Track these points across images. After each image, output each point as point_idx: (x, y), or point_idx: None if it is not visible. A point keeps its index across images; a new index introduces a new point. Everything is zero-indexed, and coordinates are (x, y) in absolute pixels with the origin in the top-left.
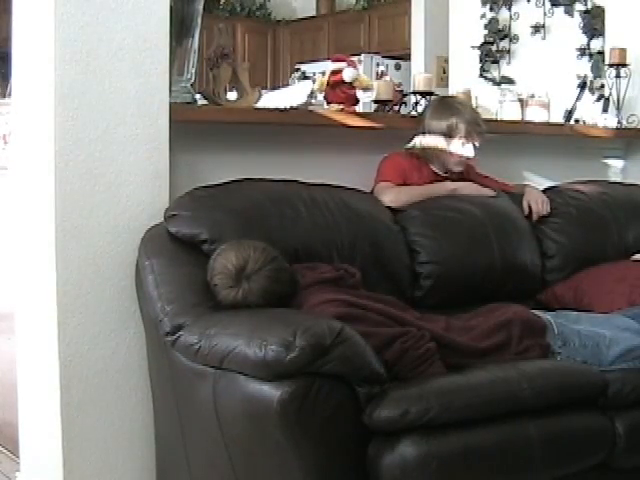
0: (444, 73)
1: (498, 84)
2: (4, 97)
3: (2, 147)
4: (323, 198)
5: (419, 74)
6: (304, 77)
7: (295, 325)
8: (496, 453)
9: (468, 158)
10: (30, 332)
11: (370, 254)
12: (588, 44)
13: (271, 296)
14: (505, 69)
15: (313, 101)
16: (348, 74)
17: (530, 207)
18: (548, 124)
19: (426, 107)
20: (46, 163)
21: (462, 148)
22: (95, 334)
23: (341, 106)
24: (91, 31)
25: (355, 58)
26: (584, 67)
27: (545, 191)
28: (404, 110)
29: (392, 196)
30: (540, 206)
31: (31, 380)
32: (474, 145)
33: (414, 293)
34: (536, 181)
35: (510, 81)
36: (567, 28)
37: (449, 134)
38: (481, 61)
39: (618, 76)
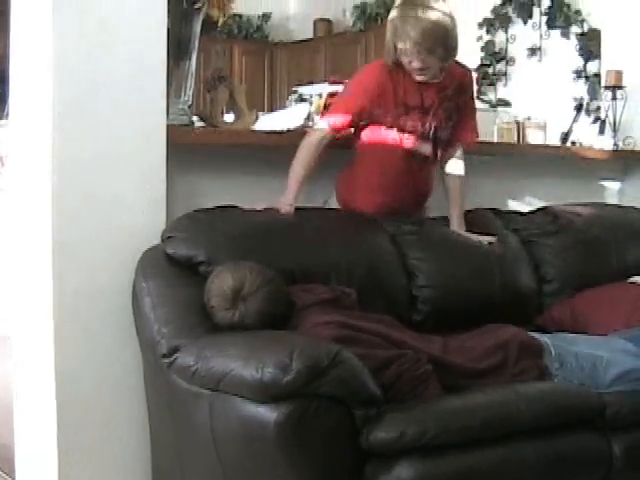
0: None
1: (494, 106)
2: (1, 119)
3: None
4: (320, 220)
5: None
6: (301, 99)
7: (292, 347)
8: (493, 475)
9: (422, 69)
10: (26, 354)
11: (367, 277)
12: (584, 66)
13: (268, 318)
14: (502, 91)
15: (310, 123)
16: None
17: None
18: (545, 146)
19: None
20: (43, 185)
21: (410, 65)
22: (92, 356)
23: None
24: (89, 53)
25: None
26: (580, 89)
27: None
28: None
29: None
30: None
31: (27, 402)
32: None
33: (411, 316)
34: (533, 203)
35: (507, 103)
36: (563, 50)
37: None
38: (478, 83)
39: (614, 98)
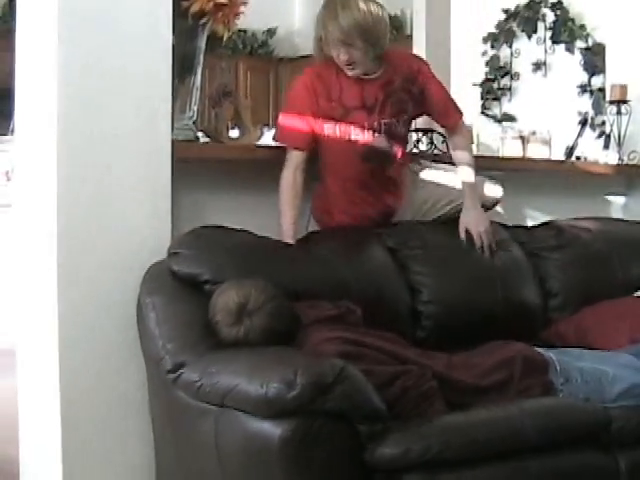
0: None
1: (499, 121)
2: (7, 134)
3: (4, 184)
4: (324, 237)
5: None
6: None
7: (297, 363)
8: None
9: (349, 63)
10: (31, 368)
11: (371, 293)
12: (589, 81)
13: (272, 334)
14: (506, 106)
15: None
16: None
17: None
18: (549, 161)
19: None
20: (48, 200)
21: (338, 59)
22: (96, 371)
23: None
24: (93, 69)
25: None
26: (585, 104)
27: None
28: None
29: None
30: (482, 237)
31: (32, 417)
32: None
33: (415, 332)
34: (537, 218)
35: (511, 118)
36: (568, 65)
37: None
38: (482, 98)
39: (619, 113)
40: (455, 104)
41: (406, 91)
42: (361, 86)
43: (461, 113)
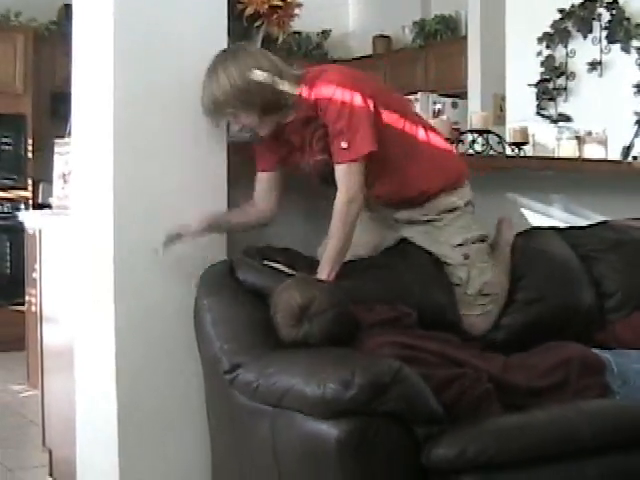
0: (501, 111)
1: (555, 122)
2: (64, 137)
3: (62, 186)
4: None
5: (476, 112)
6: None
7: (354, 364)
8: None
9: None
10: (88, 370)
11: (427, 298)
12: None
13: (332, 338)
14: (562, 106)
15: None
16: None
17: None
18: (606, 161)
19: None
20: (105, 202)
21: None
22: (153, 372)
23: None
24: (149, 71)
25: (412, 96)
26: None
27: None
28: (461, 148)
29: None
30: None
31: (89, 418)
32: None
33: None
34: (593, 219)
35: (567, 118)
36: (624, 65)
37: None
38: (538, 98)
39: None
40: (342, 146)
41: (323, 128)
42: (285, 131)
43: (349, 156)
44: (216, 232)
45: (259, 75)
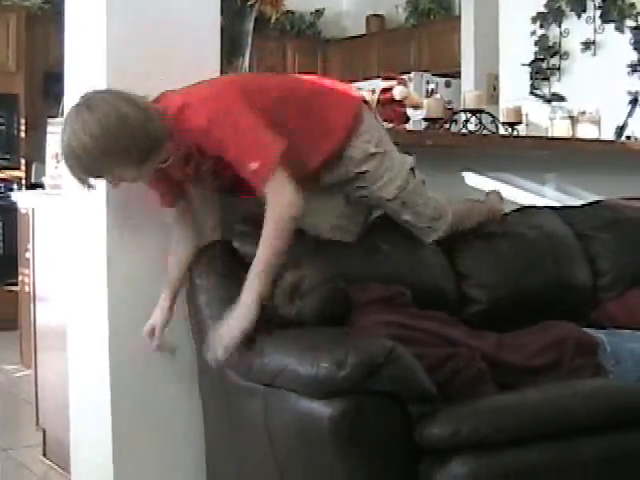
0: (494, 90)
1: (549, 101)
2: (56, 117)
3: (55, 166)
4: (377, 222)
5: (469, 92)
6: None
7: (347, 343)
8: (549, 472)
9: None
10: (81, 350)
11: (419, 278)
12: (639, 60)
13: (325, 316)
14: (556, 86)
15: None
16: (398, 92)
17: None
18: (599, 141)
19: None
20: (96, 182)
21: None
22: (146, 351)
23: (391, 124)
24: (142, 52)
25: (405, 76)
26: (635, 83)
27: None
28: (454, 128)
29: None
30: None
31: (82, 398)
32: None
33: (463, 314)
34: (587, 198)
35: (561, 98)
36: (618, 44)
37: None
38: (531, 78)
39: None
40: (254, 167)
41: (208, 159)
42: (167, 173)
43: (269, 166)
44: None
45: (121, 120)
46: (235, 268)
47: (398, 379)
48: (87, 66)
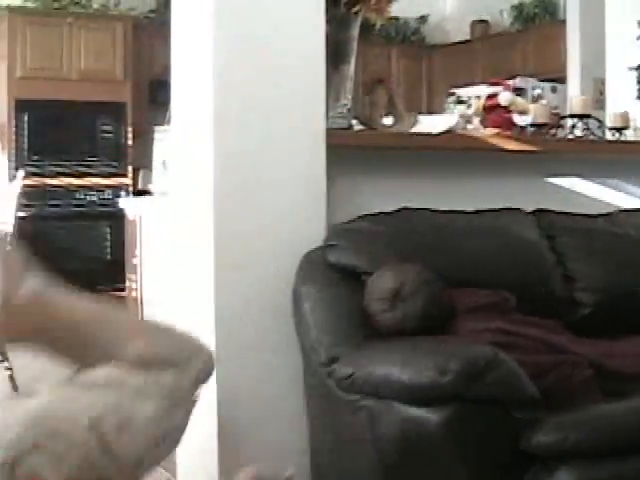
0: (601, 95)
1: None
2: (163, 124)
3: (162, 172)
4: (483, 225)
5: (575, 97)
6: (459, 101)
7: (449, 351)
8: None
9: None
10: None
11: (526, 281)
12: None
13: (427, 319)
14: None
15: (469, 126)
16: (504, 98)
17: None
18: None
19: None
20: (204, 189)
21: None
22: (252, 356)
23: (497, 130)
24: (249, 59)
25: (510, 82)
26: None
27: None
28: (561, 133)
29: None
30: None
31: None
32: None
33: (572, 320)
34: None
35: None
36: None
37: None
38: (639, 82)
39: None
40: None
41: None
42: None
43: None
44: None
45: None
46: (336, 276)
47: (502, 385)
48: (194, 74)
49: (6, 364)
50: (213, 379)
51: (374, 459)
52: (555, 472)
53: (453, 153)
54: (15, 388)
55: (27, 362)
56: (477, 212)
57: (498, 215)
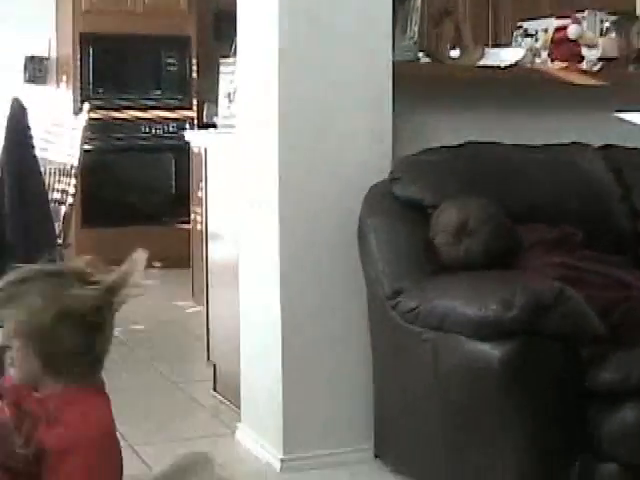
0: None
1: None
2: (229, 57)
3: (227, 105)
4: (549, 160)
5: None
6: (526, 35)
7: (515, 285)
8: None
9: None
10: (253, 286)
11: (593, 216)
12: None
13: (492, 254)
14: None
15: (537, 59)
16: (573, 31)
17: None
18: None
19: None
20: (270, 121)
21: None
22: (316, 288)
23: (565, 63)
24: None
25: (579, 14)
26: None
27: None
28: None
29: None
30: None
31: (253, 333)
32: None
33: (637, 258)
34: None
35: None
36: None
37: None
38: None
39: None
40: None
41: None
42: None
43: None
44: None
45: None
46: (401, 209)
47: (568, 321)
48: (259, 5)
49: None
50: (277, 313)
51: (437, 391)
52: (619, 409)
53: (520, 87)
54: None
55: None
56: (543, 146)
57: (565, 149)
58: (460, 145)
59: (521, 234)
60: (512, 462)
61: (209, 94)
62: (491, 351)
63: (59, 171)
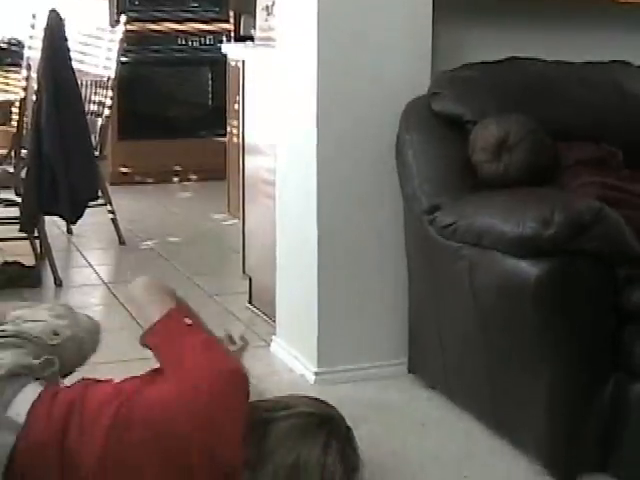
0: None
1: None
2: None
3: (265, 18)
4: (593, 77)
5: None
6: None
7: (554, 203)
8: None
9: None
10: (289, 198)
11: (634, 137)
12: None
13: (532, 170)
14: None
15: None
16: None
17: None
18: None
19: None
20: (309, 34)
21: None
22: (353, 202)
23: None
24: None
25: None
26: None
27: None
28: None
29: None
30: None
31: (289, 247)
32: None
33: None
34: None
35: None
36: None
37: None
38: None
39: None
40: None
41: None
42: None
43: None
44: None
45: None
46: (440, 125)
47: (606, 240)
48: None
49: None
50: (314, 227)
51: (472, 308)
52: None
53: (563, 3)
54: None
55: None
56: (585, 64)
57: (607, 67)
58: (500, 61)
59: (561, 152)
60: (546, 379)
61: (246, 6)
62: (528, 269)
63: (96, 83)
